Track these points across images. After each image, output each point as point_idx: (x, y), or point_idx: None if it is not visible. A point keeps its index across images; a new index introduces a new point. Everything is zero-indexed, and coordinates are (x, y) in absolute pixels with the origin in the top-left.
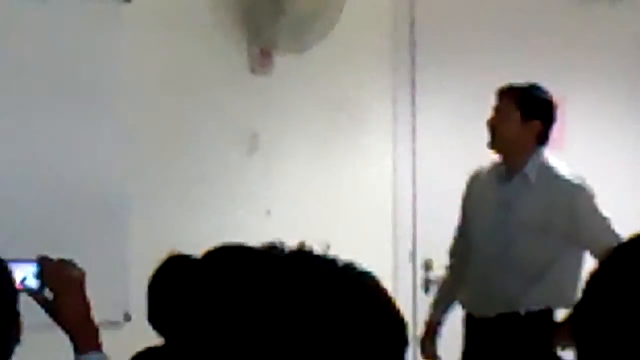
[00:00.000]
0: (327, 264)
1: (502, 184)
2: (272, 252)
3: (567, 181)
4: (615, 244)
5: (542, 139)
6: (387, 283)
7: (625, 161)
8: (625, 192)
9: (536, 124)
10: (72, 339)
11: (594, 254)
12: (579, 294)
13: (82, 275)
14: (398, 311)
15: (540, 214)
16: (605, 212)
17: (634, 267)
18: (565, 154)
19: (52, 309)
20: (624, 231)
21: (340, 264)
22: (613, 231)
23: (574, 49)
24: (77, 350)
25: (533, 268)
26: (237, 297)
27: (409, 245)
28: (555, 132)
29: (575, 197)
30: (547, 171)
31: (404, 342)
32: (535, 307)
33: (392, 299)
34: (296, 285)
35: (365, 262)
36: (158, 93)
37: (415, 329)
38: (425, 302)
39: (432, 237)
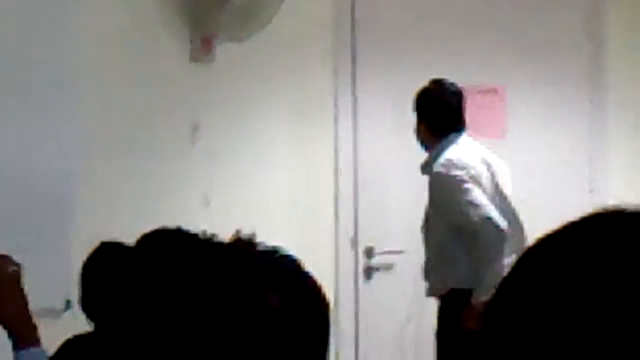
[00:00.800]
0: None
1: None
2: (203, 238)
3: (433, 170)
4: (479, 219)
5: (437, 131)
6: (328, 270)
7: (565, 148)
8: (565, 178)
9: (423, 122)
10: (10, 334)
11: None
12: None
13: (18, 270)
14: (323, 295)
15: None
16: (464, 191)
17: (558, 260)
18: (506, 142)
19: None
20: (563, 218)
21: (262, 249)
22: (475, 207)
23: (513, 39)
24: (16, 345)
25: (438, 250)
26: (165, 282)
27: (351, 233)
28: (495, 121)
29: (432, 184)
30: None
31: (326, 325)
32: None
33: (317, 283)
34: (220, 269)
35: (307, 249)
36: (98, 82)
37: (358, 315)
38: (367, 289)
39: (374, 224)
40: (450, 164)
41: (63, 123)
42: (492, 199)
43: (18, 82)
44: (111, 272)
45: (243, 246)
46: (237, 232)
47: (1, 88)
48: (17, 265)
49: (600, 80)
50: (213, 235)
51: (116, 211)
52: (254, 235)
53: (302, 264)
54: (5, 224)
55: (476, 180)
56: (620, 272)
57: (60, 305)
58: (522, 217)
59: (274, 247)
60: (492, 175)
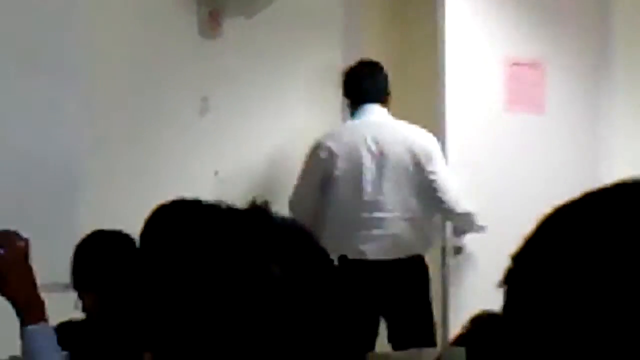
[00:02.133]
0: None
1: None
2: (217, 207)
3: None
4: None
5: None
6: None
7: (601, 125)
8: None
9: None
10: (18, 310)
11: None
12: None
13: (26, 244)
14: (332, 261)
15: None
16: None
17: (579, 227)
18: (545, 117)
19: None
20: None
21: (276, 218)
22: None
23: (553, 14)
24: (24, 321)
25: None
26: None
27: None
28: (534, 96)
29: None
30: None
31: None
32: None
33: (328, 256)
34: (226, 238)
35: None
36: (107, 58)
37: None
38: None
39: None
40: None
41: (72, 100)
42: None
43: (26, 60)
44: (103, 255)
45: (256, 214)
46: (253, 200)
47: (10, 69)
48: (25, 240)
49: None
50: (228, 205)
51: (125, 185)
52: (268, 204)
53: (313, 236)
54: (14, 205)
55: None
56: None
57: (67, 279)
58: (557, 189)
59: (288, 217)
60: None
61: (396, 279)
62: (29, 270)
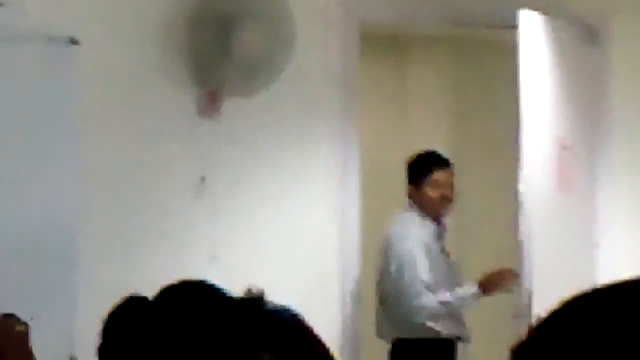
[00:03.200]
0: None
1: None
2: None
3: None
4: None
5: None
6: (335, 327)
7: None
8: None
9: None
10: None
11: None
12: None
13: (26, 329)
14: (326, 347)
15: None
16: None
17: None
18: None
19: None
20: None
21: (271, 308)
22: None
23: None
24: None
25: None
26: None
27: (355, 288)
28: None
29: None
30: None
31: None
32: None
33: (323, 344)
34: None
35: (311, 305)
36: (106, 136)
37: None
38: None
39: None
40: None
41: (67, 176)
42: None
43: (24, 135)
44: (135, 328)
45: (251, 304)
46: (249, 289)
47: (10, 136)
48: (25, 324)
49: None
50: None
51: (121, 267)
52: (263, 293)
53: (307, 324)
54: (9, 280)
55: None
56: None
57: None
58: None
59: (282, 306)
60: None
61: None
62: (29, 354)
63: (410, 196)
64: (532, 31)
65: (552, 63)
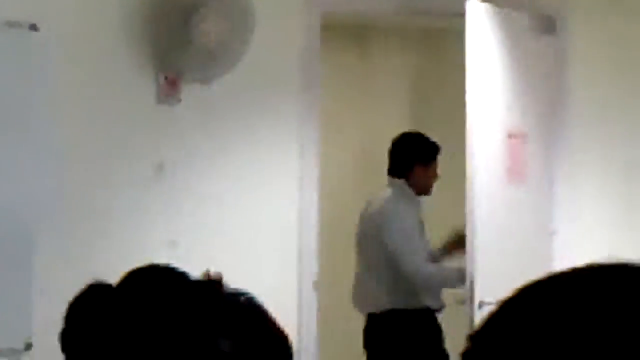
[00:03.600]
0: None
1: None
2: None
3: None
4: None
5: None
6: (293, 314)
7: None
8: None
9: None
10: None
11: None
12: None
13: None
14: (284, 340)
15: None
16: None
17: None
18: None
19: None
20: None
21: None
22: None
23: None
24: None
25: None
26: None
27: (314, 274)
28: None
29: None
30: None
31: (288, 354)
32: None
33: (280, 328)
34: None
35: (271, 292)
36: (63, 121)
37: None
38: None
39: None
40: None
41: (25, 159)
42: None
43: None
44: (97, 314)
45: (210, 288)
46: (206, 272)
47: None
48: None
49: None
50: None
51: (78, 251)
52: (221, 276)
53: (264, 308)
54: None
55: None
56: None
57: (19, 345)
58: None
59: (240, 290)
60: None
61: None
62: None
63: (406, 174)
64: (479, 20)
65: (501, 52)
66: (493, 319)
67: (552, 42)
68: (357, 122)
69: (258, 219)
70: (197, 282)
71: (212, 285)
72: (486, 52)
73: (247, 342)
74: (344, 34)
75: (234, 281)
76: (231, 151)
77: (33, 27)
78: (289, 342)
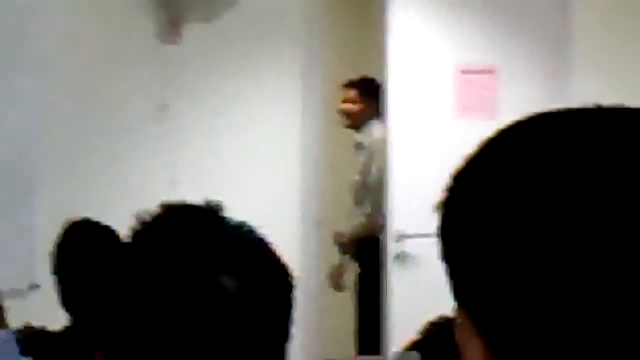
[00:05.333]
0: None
1: None
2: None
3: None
4: None
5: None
6: (295, 251)
7: None
8: None
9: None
10: None
11: None
12: None
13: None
14: (286, 274)
15: None
16: None
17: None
18: (498, 123)
19: None
20: None
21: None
22: None
23: (504, 18)
24: None
25: None
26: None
27: (315, 212)
28: (487, 101)
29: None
30: None
31: (289, 304)
32: None
33: (282, 262)
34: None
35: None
36: (66, 61)
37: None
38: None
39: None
40: None
41: (27, 99)
42: None
43: None
44: (84, 251)
45: (209, 215)
46: (206, 202)
47: None
48: None
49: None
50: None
51: (81, 191)
52: (221, 206)
53: (267, 241)
54: None
55: None
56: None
57: (24, 286)
58: None
59: (241, 222)
60: None
61: None
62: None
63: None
64: None
65: None
66: (477, 157)
67: None
68: (360, 54)
69: (260, 157)
70: (197, 208)
71: (213, 212)
72: None
73: (250, 279)
74: None
75: (235, 219)
76: (233, 90)
77: None
78: (293, 278)
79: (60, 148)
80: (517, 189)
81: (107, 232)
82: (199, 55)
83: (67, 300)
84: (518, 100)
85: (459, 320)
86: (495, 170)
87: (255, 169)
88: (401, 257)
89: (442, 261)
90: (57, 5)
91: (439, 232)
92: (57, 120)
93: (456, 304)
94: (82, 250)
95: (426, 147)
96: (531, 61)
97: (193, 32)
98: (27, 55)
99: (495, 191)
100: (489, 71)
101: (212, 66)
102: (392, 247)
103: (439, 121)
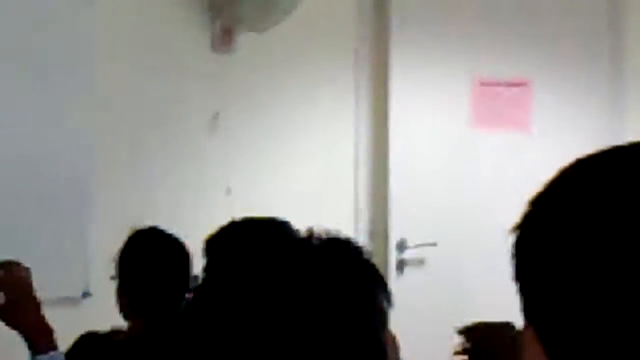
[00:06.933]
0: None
1: None
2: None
3: None
4: None
5: None
6: None
7: (591, 144)
8: None
9: None
10: (27, 340)
11: None
12: None
13: (29, 275)
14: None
15: None
16: None
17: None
18: (532, 138)
19: (4, 313)
20: None
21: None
22: None
23: (541, 32)
24: (34, 350)
25: None
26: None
27: (370, 224)
28: (521, 114)
29: None
30: None
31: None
32: None
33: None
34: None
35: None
36: (120, 70)
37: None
38: (400, 283)
39: (406, 215)
40: None
41: (82, 112)
42: None
43: (37, 67)
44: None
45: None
46: (309, 229)
47: (20, 74)
48: (27, 269)
49: (620, 79)
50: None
51: (135, 201)
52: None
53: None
54: (24, 213)
55: None
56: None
57: (77, 294)
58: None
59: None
60: None
61: None
62: (34, 298)
63: None
64: None
65: None
66: (556, 182)
67: None
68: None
69: (314, 167)
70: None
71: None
72: None
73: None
74: None
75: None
76: (286, 99)
77: None
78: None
79: (115, 157)
80: (595, 219)
81: (172, 241)
82: (253, 65)
83: (135, 307)
84: (547, 114)
85: (526, 340)
86: (574, 199)
87: (309, 175)
88: (402, 265)
89: (514, 280)
90: (111, 15)
91: (514, 252)
92: (112, 131)
93: (525, 322)
94: (150, 258)
95: (429, 157)
96: (565, 75)
97: (247, 41)
98: (78, 65)
99: (573, 220)
100: (513, 84)
101: (266, 75)
102: (393, 256)
103: (451, 132)
